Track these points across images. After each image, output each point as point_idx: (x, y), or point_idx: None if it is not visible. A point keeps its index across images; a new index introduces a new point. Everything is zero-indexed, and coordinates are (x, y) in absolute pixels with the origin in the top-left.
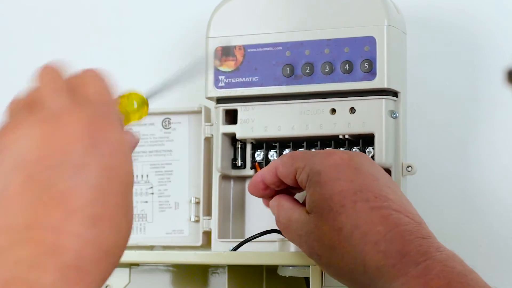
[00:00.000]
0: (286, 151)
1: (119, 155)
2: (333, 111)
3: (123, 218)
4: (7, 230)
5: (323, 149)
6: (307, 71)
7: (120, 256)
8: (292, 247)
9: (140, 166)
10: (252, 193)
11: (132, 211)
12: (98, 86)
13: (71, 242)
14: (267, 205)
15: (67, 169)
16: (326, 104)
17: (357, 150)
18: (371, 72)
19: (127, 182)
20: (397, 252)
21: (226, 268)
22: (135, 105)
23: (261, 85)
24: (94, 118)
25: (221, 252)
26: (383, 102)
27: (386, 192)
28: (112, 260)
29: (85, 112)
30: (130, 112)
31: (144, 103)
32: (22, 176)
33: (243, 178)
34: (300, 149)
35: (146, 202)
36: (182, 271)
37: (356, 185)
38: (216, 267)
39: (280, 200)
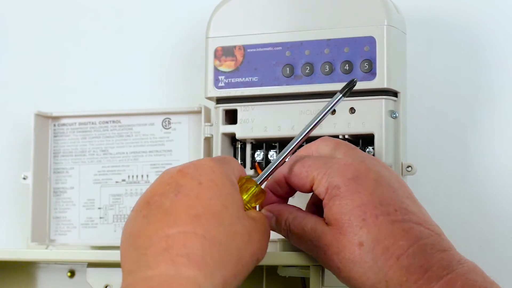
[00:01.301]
0: None
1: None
2: (333, 111)
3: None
4: None
5: None
6: (307, 71)
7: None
8: (292, 247)
9: (141, 166)
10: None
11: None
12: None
13: None
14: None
15: None
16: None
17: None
18: (371, 72)
19: None
20: (419, 267)
21: None
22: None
23: (261, 85)
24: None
25: None
26: (383, 102)
27: (406, 204)
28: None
29: None
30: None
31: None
32: None
33: None
34: (302, 152)
35: None
36: None
37: (376, 198)
38: None
39: (290, 209)
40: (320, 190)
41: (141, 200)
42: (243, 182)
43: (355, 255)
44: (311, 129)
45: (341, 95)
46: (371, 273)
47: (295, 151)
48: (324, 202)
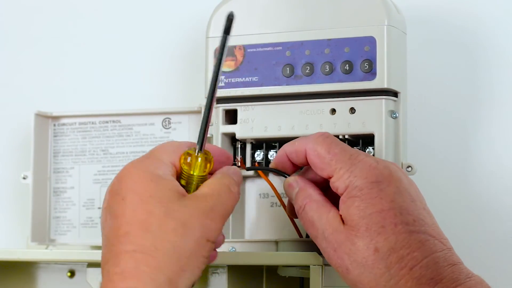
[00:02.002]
0: None
1: None
2: (333, 111)
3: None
4: None
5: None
6: (307, 71)
7: None
8: (292, 247)
9: None
10: (274, 166)
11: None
12: None
13: None
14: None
15: None
16: (326, 104)
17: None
18: (371, 72)
19: None
20: (431, 279)
21: (226, 268)
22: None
23: (261, 85)
24: None
25: (221, 252)
26: (383, 102)
27: (423, 215)
28: None
29: None
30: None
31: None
32: None
33: (243, 178)
34: (330, 137)
35: None
36: None
37: (396, 206)
38: (216, 267)
39: (309, 192)
40: (338, 184)
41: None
42: (185, 158)
43: (368, 260)
44: (216, 80)
45: (226, 35)
46: (382, 280)
47: (211, 107)
48: (341, 198)
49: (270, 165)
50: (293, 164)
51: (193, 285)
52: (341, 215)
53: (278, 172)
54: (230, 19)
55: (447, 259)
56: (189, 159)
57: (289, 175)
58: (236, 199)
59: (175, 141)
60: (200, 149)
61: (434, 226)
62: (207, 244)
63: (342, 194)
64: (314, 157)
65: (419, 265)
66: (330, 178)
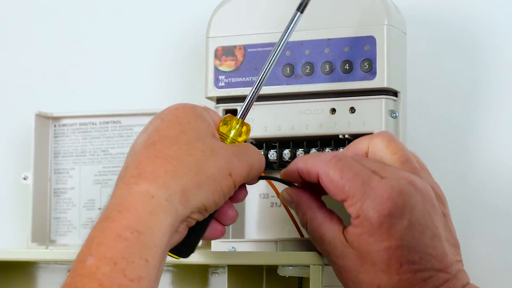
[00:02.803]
0: (286, 151)
1: None
2: (333, 111)
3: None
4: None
5: (322, 150)
6: (307, 71)
7: None
8: (292, 247)
9: None
10: (284, 177)
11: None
12: None
13: None
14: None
15: None
16: (326, 104)
17: None
18: (371, 71)
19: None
20: None
21: (226, 268)
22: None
23: None
24: None
25: (221, 252)
26: (383, 101)
27: (432, 247)
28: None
29: None
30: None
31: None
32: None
33: None
34: (342, 159)
35: None
36: (182, 271)
37: (405, 243)
38: (216, 267)
39: (309, 204)
40: (351, 211)
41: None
42: (226, 120)
43: None
44: (277, 54)
45: (298, 13)
46: None
47: (267, 76)
48: (353, 222)
49: (281, 175)
50: (303, 178)
51: (206, 215)
52: (345, 234)
53: (288, 183)
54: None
55: None
56: (228, 122)
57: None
58: (262, 161)
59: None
60: (242, 115)
61: (443, 253)
62: (228, 178)
63: (354, 219)
64: (327, 182)
65: None
66: (344, 202)
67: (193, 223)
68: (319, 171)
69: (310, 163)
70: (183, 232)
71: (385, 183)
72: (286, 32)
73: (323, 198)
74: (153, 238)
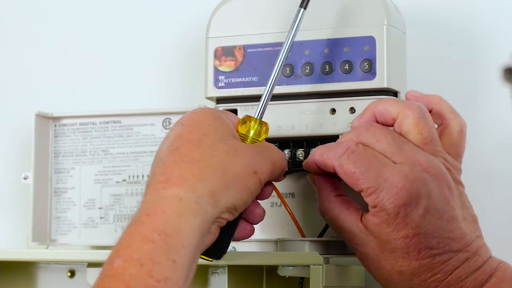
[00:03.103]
0: (286, 151)
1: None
2: (333, 111)
3: None
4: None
5: None
6: (307, 71)
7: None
8: (292, 247)
9: (141, 166)
10: (305, 168)
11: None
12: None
13: None
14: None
15: None
16: (326, 104)
17: None
18: (370, 72)
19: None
20: None
21: (226, 268)
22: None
23: (261, 85)
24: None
25: None
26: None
27: (450, 230)
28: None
29: None
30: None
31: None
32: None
33: None
34: (355, 151)
35: None
36: None
37: (422, 230)
38: (216, 267)
39: (328, 193)
40: (368, 201)
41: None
42: (245, 121)
43: (393, 279)
44: (287, 51)
45: (302, 9)
46: None
47: (279, 74)
48: (370, 211)
49: (303, 166)
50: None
51: (236, 214)
52: (364, 222)
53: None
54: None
55: (471, 266)
56: (246, 123)
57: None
58: (284, 158)
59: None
60: (259, 115)
61: (461, 234)
62: (253, 176)
63: (371, 209)
64: (342, 174)
65: (442, 284)
66: (361, 192)
67: (223, 223)
68: (334, 164)
69: (325, 156)
70: (215, 232)
71: (398, 172)
72: (293, 29)
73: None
74: (181, 240)
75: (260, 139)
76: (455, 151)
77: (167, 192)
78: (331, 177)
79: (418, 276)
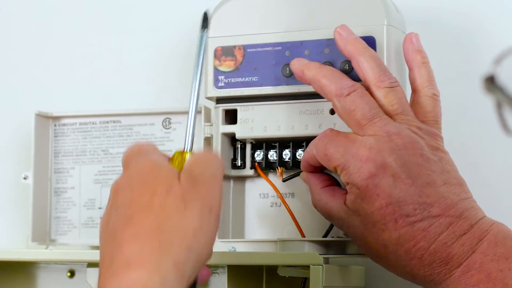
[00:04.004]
0: (286, 151)
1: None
2: (333, 111)
3: None
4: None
5: None
6: None
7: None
8: (292, 247)
9: None
10: (303, 169)
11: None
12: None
13: None
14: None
15: None
16: (326, 104)
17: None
18: None
19: None
20: (441, 261)
21: (226, 268)
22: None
23: (261, 85)
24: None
25: (221, 252)
26: None
27: (426, 195)
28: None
29: None
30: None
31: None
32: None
33: (243, 178)
34: (328, 135)
35: None
36: None
37: (394, 199)
38: (216, 267)
39: (315, 186)
40: (342, 179)
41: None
42: (176, 156)
43: (380, 253)
44: (199, 80)
45: (204, 30)
46: (397, 268)
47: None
48: (347, 188)
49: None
50: (318, 167)
51: (200, 269)
52: (346, 204)
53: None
54: (207, 16)
55: (456, 231)
56: (179, 157)
57: None
58: (222, 164)
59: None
60: (190, 148)
61: (439, 197)
62: (211, 214)
63: (346, 187)
64: (319, 158)
65: (427, 253)
66: (337, 172)
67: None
68: (313, 151)
69: (308, 148)
70: None
71: (364, 145)
72: (200, 54)
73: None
74: None
75: None
76: (430, 117)
77: (129, 278)
78: (321, 172)
79: (401, 246)
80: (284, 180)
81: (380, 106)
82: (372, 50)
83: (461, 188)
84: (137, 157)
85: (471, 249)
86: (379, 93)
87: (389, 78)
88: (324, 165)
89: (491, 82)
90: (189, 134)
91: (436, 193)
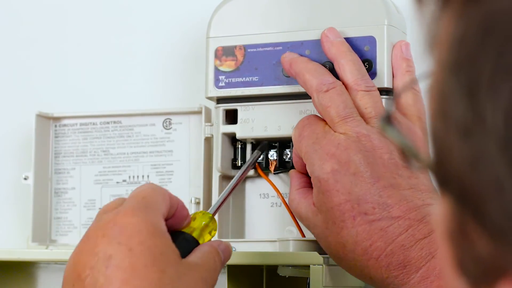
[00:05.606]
0: (286, 151)
1: None
2: None
3: None
4: None
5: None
6: None
7: None
8: (292, 247)
9: (141, 166)
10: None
11: None
12: None
13: None
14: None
15: None
16: None
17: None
18: (371, 72)
19: None
20: (398, 264)
21: (226, 268)
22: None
23: (261, 85)
24: None
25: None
26: (383, 101)
27: (386, 195)
28: None
29: None
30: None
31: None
32: None
33: (243, 179)
34: (309, 118)
35: None
36: None
37: (354, 196)
38: None
39: (292, 187)
40: (307, 169)
41: (72, 272)
42: (196, 217)
43: (340, 253)
44: (240, 178)
45: (260, 152)
46: (356, 270)
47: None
48: (312, 181)
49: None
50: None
51: None
52: (314, 202)
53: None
54: (265, 145)
55: (416, 235)
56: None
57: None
58: (218, 271)
59: (158, 188)
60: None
61: (401, 201)
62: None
63: (311, 178)
64: (294, 141)
65: (384, 253)
66: (303, 159)
67: None
68: (295, 131)
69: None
70: None
71: (333, 141)
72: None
73: None
74: None
75: (210, 236)
76: (413, 111)
77: None
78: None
79: (358, 245)
80: (275, 173)
81: (356, 108)
82: (355, 54)
83: (430, 195)
84: (137, 204)
85: (430, 253)
86: (355, 96)
87: (366, 82)
88: (296, 149)
89: (388, 121)
90: (220, 200)
91: (399, 195)
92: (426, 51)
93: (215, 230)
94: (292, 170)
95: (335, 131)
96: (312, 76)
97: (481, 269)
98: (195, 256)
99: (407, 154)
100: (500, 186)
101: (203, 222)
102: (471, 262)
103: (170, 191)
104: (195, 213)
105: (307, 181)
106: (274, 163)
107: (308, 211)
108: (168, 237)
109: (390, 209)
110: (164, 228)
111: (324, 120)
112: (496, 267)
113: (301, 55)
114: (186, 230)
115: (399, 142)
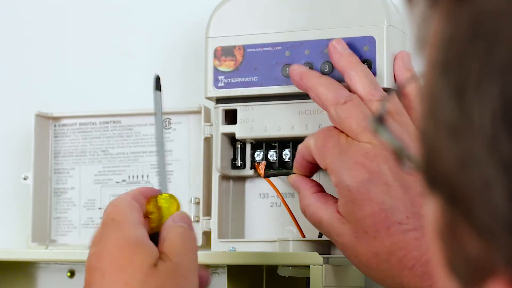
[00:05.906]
0: (286, 151)
1: None
2: None
3: None
4: None
5: None
6: None
7: None
8: (292, 247)
9: (141, 166)
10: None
11: None
12: None
13: None
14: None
15: None
16: None
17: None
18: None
19: None
20: (432, 273)
21: (226, 268)
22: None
23: (261, 85)
24: None
25: (221, 252)
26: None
27: (419, 204)
28: None
29: None
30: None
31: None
32: None
33: (243, 178)
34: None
35: None
36: None
37: (387, 206)
38: (216, 267)
39: (305, 192)
40: (331, 178)
41: None
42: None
43: (371, 263)
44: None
45: (160, 92)
46: (388, 279)
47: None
48: (337, 192)
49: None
50: (312, 164)
51: None
52: (338, 211)
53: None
54: (158, 79)
55: None
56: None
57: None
58: (195, 241)
59: (124, 197)
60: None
61: None
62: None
63: (336, 189)
64: (314, 151)
65: (419, 263)
66: (326, 170)
67: None
68: (310, 141)
69: (305, 140)
70: None
71: (360, 150)
72: (160, 114)
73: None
74: None
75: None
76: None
77: None
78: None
79: (393, 255)
80: (265, 176)
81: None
82: (365, 66)
83: None
84: (110, 230)
85: None
86: (371, 106)
87: (380, 92)
88: (317, 159)
89: (379, 122)
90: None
91: None
92: (417, 51)
93: (179, 206)
94: (295, 175)
95: (359, 141)
96: (327, 89)
97: (471, 268)
98: (162, 248)
99: (399, 155)
100: (488, 186)
101: (165, 206)
102: (461, 262)
103: (170, 191)
104: (159, 200)
105: (317, 185)
106: (264, 164)
107: (332, 219)
108: (145, 244)
109: (423, 219)
110: (141, 233)
111: (343, 132)
112: (485, 266)
113: (301, 55)
114: (156, 221)
115: (390, 142)
